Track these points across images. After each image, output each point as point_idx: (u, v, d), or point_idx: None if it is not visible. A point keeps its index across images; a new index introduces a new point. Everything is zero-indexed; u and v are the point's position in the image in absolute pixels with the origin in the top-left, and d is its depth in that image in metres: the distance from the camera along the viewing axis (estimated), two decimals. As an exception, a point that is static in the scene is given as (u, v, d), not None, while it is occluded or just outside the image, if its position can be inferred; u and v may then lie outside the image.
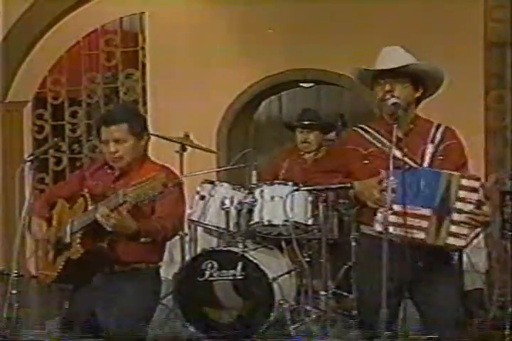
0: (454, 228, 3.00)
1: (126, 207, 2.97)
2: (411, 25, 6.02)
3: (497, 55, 5.99)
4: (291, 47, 6.56)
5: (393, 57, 3.19)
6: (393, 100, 3.10)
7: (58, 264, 3.21)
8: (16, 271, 3.13)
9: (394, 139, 2.98)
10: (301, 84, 7.42)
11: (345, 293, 5.12)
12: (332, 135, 7.84)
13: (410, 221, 2.98)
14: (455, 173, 3.05)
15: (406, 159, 3.10)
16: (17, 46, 7.49)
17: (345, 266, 5.10)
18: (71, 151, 7.58)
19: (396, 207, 2.98)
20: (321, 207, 4.77)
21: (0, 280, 6.19)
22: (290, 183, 4.88)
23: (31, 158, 3.25)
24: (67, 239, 3.14)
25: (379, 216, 3.01)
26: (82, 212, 3.15)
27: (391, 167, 2.93)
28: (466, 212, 3.00)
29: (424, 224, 2.99)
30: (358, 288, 3.47)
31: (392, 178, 2.94)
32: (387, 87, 3.14)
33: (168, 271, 5.66)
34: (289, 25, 6.61)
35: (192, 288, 4.71)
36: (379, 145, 3.18)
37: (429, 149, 3.16)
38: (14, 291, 3.11)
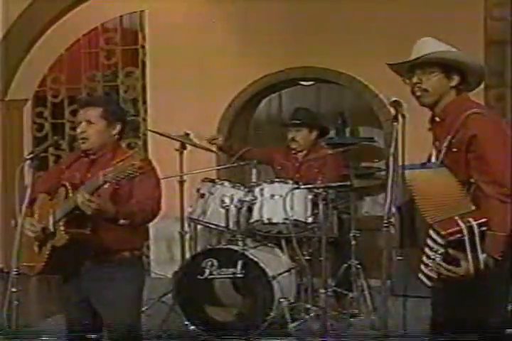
0: (423, 267, 2.79)
1: (107, 190, 3.10)
2: (411, 23, 6.01)
3: (497, 53, 5.99)
4: (291, 45, 6.56)
5: (420, 49, 3.12)
6: (393, 98, 3.08)
7: (44, 254, 3.27)
8: (15, 269, 3.14)
9: (394, 137, 2.96)
10: (301, 83, 7.42)
11: (345, 292, 5.12)
12: (332, 133, 7.88)
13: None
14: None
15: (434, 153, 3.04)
16: (17, 44, 7.48)
17: (345, 265, 5.10)
18: (71, 149, 7.57)
19: None
20: (320, 205, 4.77)
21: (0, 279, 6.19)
22: (290, 181, 4.89)
23: (31, 156, 3.26)
24: (51, 228, 3.22)
25: None
26: (64, 200, 3.22)
27: (391, 165, 2.92)
28: (433, 260, 2.75)
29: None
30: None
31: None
32: (415, 79, 3.07)
33: (168, 269, 5.68)
34: (288, 23, 6.61)
35: (192, 286, 4.71)
36: None
37: (445, 142, 2.98)
38: (14, 289, 3.11)
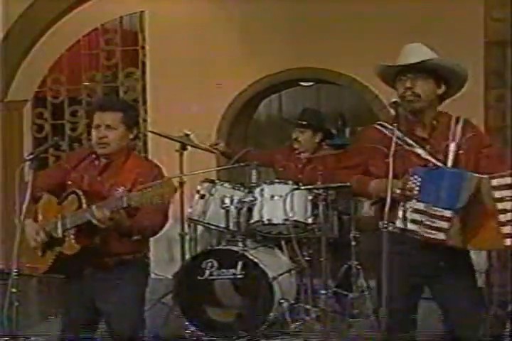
0: (507, 229, 2.96)
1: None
2: (411, 24, 6.01)
3: (497, 54, 5.98)
4: (291, 46, 6.56)
5: (415, 53, 3.14)
6: (393, 99, 3.08)
7: (49, 258, 3.26)
8: (16, 270, 3.13)
9: (394, 139, 2.96)
10: (301, 83, 7.41)
11: (345, 292, 5.12)
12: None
13: (430, 221, 2.97)
14: (484, 176, 3.00)
15: (430, 158, 3.09)
16: (17, 45, 7.48)
17: (345, 265, 5.10)
18: (71, 150, 7.57)
19: (418, 205, 2.99)
20: (320, 206, 4.77)
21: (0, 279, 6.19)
22: (290, 182, 4.89)
23: (31, 157, 3.25)
24: (59, 235, 3.20)
25: (400, 213, 3.00)
26: (76, 210, 3.19)
27: (391, 166, 2.92)
28: (509, 211, 2.96)
29: (445, 225, 2.96)
30: (378, 288, 3.26)
31: (415, 177, 2.98)
32: (408, 84, 3.09)
33: (168, 269, 5.68)
34: (288, 24, 6.61)
35: (192, 287, 4.71)
36: (401, 143, 3.10)
37: (452, 146, 3.11)
38: (14, 290, 3.11)
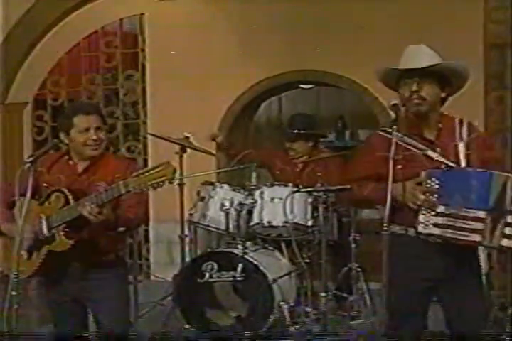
0: (508, 230, 2.95)
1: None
2: (411, 26, 6.01)
3: (497, 56, 5.98)
4: (291, 48, 6.56)
5: (420, 55, 3.12)
6: (392, 101, 3.07)
7: (35, 261, 3.29)
8: (15, 273, 3.13)
9: (393, 142, 2.96)
10: (301, 86, 7.42)
11: (345, 295, 5.12)
12: (332, 136, 7.87)
13: (462, 223, 2.94)
14: (510, 175, 2.98)
15: (443, 160, 3.07)
16: (17, 47, 7.48)
17: (345, 268, 5.10)
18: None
19: (441, 209, 2.96)
20: (320, 208, 4.77)
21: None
22: (290, 185, 4.89)
23: (31, 159, 3.25)
24: (46, 234, 3.23)
25: (422, 217, 2.97)
26: (62, 207, 3.23)
27: (391, 168, 2.91)
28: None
29: (479, 226, 2.93)
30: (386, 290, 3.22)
31: (433, 179, 2.95)
32: (414, 87, 3.06)
33: (168, 272, 5.68)
34: (288, 26, 6.61)
35: (192, 289, 4.71)
36: (409, 147, 3.10)
37: (461, 147, 3.10)
38: (14, 293, 3.11)
